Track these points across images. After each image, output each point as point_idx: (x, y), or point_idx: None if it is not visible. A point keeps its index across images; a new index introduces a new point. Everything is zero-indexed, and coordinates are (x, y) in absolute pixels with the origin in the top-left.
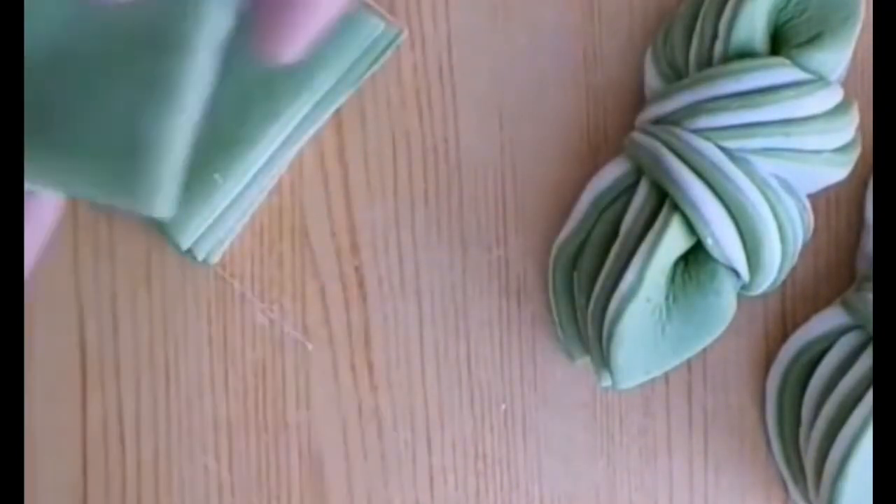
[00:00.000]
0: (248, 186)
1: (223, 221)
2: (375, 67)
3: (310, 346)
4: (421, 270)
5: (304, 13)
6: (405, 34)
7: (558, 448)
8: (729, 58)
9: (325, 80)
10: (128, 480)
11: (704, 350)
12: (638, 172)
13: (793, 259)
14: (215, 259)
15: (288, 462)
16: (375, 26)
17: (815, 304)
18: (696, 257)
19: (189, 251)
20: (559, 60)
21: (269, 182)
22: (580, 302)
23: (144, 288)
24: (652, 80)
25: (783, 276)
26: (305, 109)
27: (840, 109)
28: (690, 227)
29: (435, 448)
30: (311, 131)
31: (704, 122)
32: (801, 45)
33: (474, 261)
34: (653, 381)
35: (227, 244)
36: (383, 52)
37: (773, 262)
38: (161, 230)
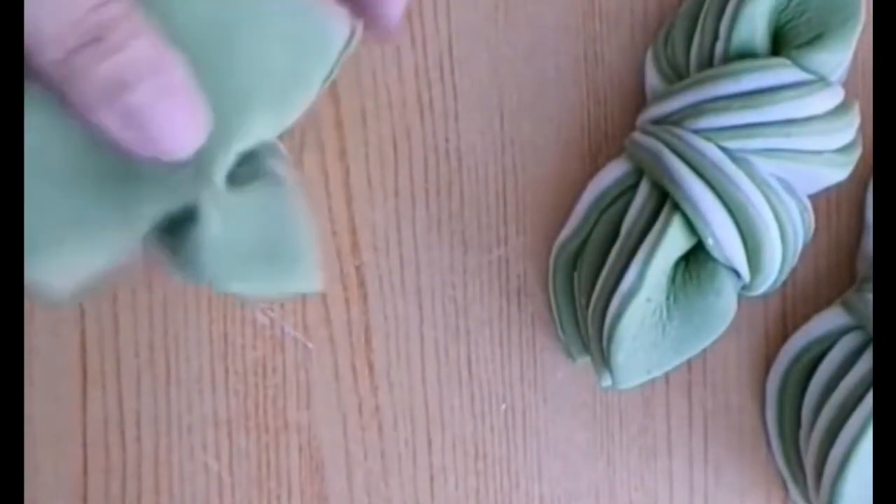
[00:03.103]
0: None
1: None
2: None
3: (310, 346)
4: (421, 270)
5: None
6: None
7: (558, 448)
8: (730, 58)
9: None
10: (128, 480)
11: (704, 350)
12: (639, 173)
13: (793, 259)
14: None
15: (288, 462)
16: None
17: (816, 305)
18: (696, 257)
19: None
20: (560, 60)
21: None
22: (580, 302)
23: (144, 288)
24: (653, 80)
25: (784, 277)
26: None
27: (841, 110)
28: (691, 227)
29: (435, 448)
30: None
31: (705, 122)
32: (801, 46)
33: (475, 261)
34: (653, 381)
35: None
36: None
37: (774, 263)
38: None
